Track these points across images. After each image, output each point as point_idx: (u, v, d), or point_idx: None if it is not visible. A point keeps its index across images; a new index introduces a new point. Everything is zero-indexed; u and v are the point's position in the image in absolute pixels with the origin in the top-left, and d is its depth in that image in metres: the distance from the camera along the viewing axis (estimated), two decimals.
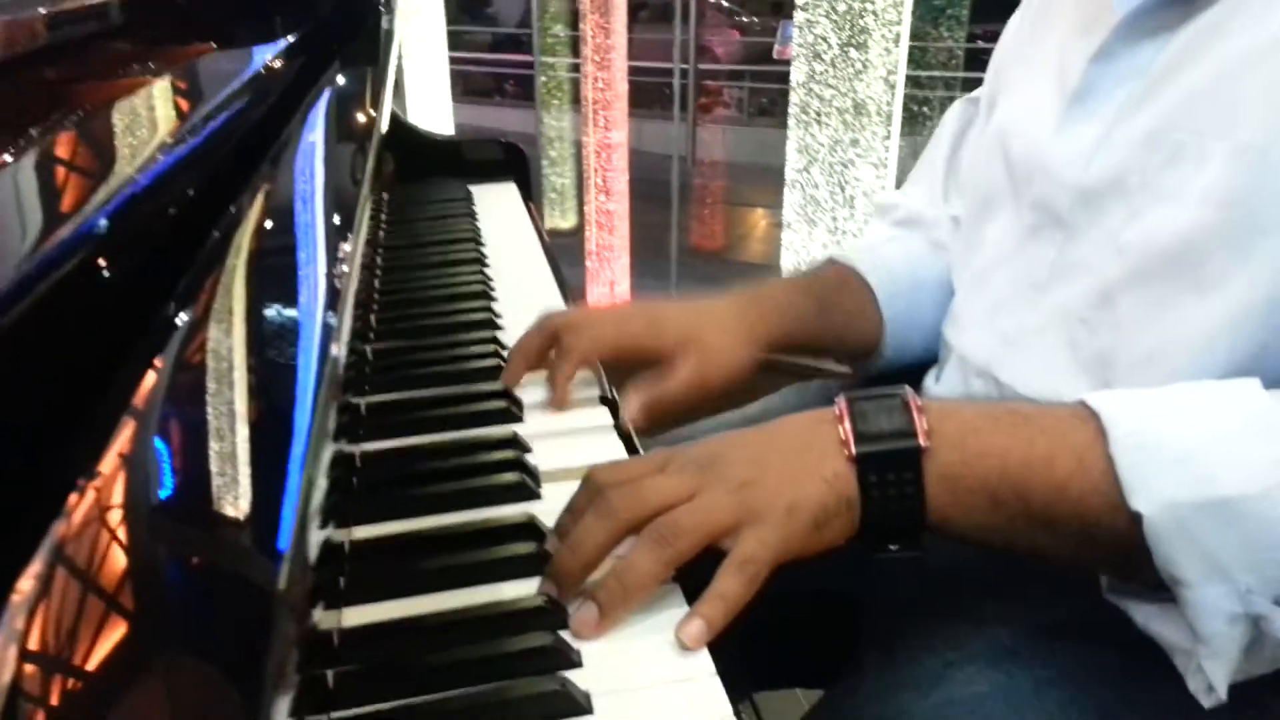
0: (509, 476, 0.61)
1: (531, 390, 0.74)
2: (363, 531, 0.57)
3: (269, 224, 0.62)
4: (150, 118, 0.66)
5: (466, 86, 5.93)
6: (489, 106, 6.05)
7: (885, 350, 0.86)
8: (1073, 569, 0.58)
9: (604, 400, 0.73)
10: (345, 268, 0.62)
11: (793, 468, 0.53)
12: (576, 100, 3.09)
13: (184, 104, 0.74)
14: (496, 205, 1.27)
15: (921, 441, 0.53)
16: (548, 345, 0.75)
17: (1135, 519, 0.49)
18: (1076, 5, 0.72)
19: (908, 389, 0.55)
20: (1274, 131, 0.54)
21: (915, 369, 0.86)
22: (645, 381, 0.72)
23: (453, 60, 3.00)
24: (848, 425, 0.53)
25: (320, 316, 0.52)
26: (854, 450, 0.53)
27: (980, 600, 0.65)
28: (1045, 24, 0.78)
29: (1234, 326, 0.55)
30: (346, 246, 0.65)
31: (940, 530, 0.54)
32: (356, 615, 0.50)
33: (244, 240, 0.56)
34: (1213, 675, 0.51)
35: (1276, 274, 0.54)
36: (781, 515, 0.52)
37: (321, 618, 0.43)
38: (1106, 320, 0.63)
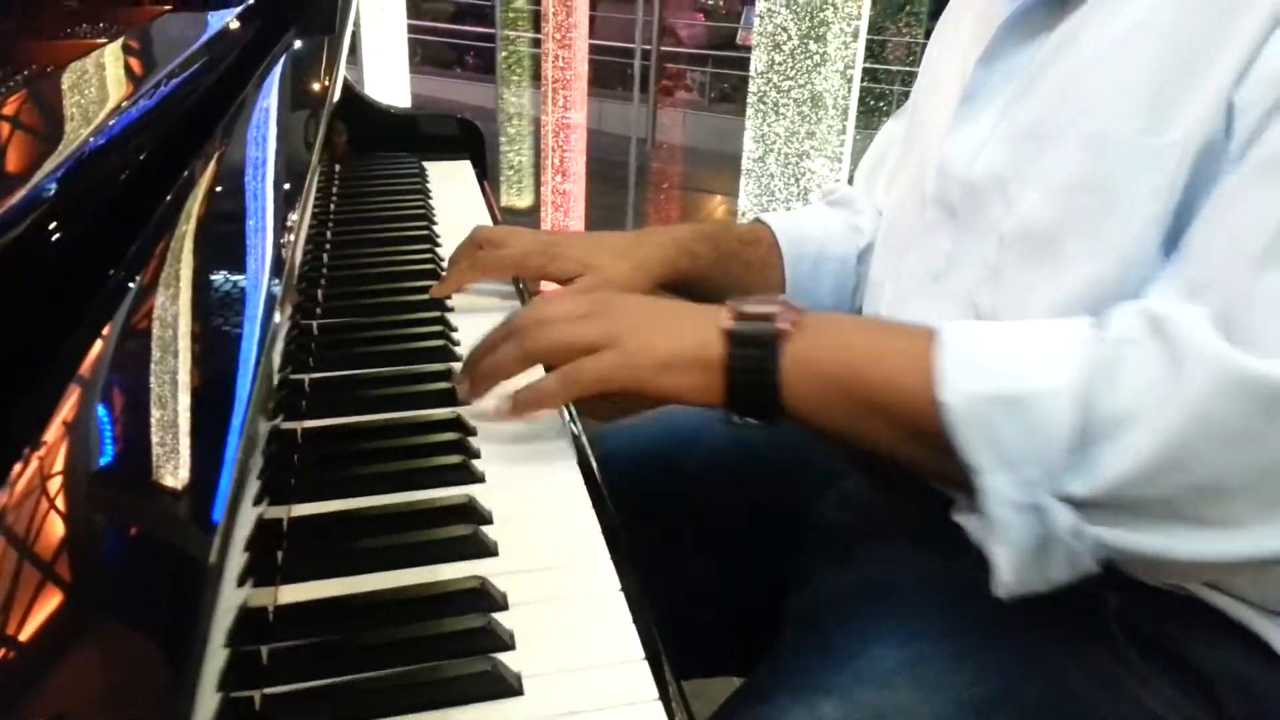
0: (450, 458, 0.62)
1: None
2: (302, 509, 0.57)
3: (217, 191, 0.61)
4: (101, 80, 0.65)
5: (425, 56, 5.84)
6: (448, 79, 5.97)
7: None
8: (912, 468, 0.63)
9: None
10: (291, 237, 0.62)
11: (667, 320, 0.64)
12: (537, 77, 3.07)
13: (136, 67, 0.72)
14: (451, 183, 1.27)
15: (783, 326, 0.61)
16: (473, 254, 0.88)
17: (941, 408, 0.55)
18: (979, 15, 0.76)
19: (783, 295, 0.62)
20: (1115, 119, 0.58)
21: None
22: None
23: (412, 30, 2.96)
24: (728, 308, 0.63)
25: (265, 286, 0.52)
26: (725, 325, 0.62)
27: (906, 596, 0.68)
28: (955, 30, 0.82)
29: (1083, 301, 0.59)
30: (294, 216, 0.65)
31: (795, 413, 0.62)
32: (292, 593, 0.50)
33: (192, 208, 0.55)
34: (1001, 562, 0.55)
35: (1119, 252, 0.58)
36: (633, 347, 0.62)
37: (257, 594, 0.43)
38: (992, 301, 0.67)
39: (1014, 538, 0.54)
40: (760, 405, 0.62)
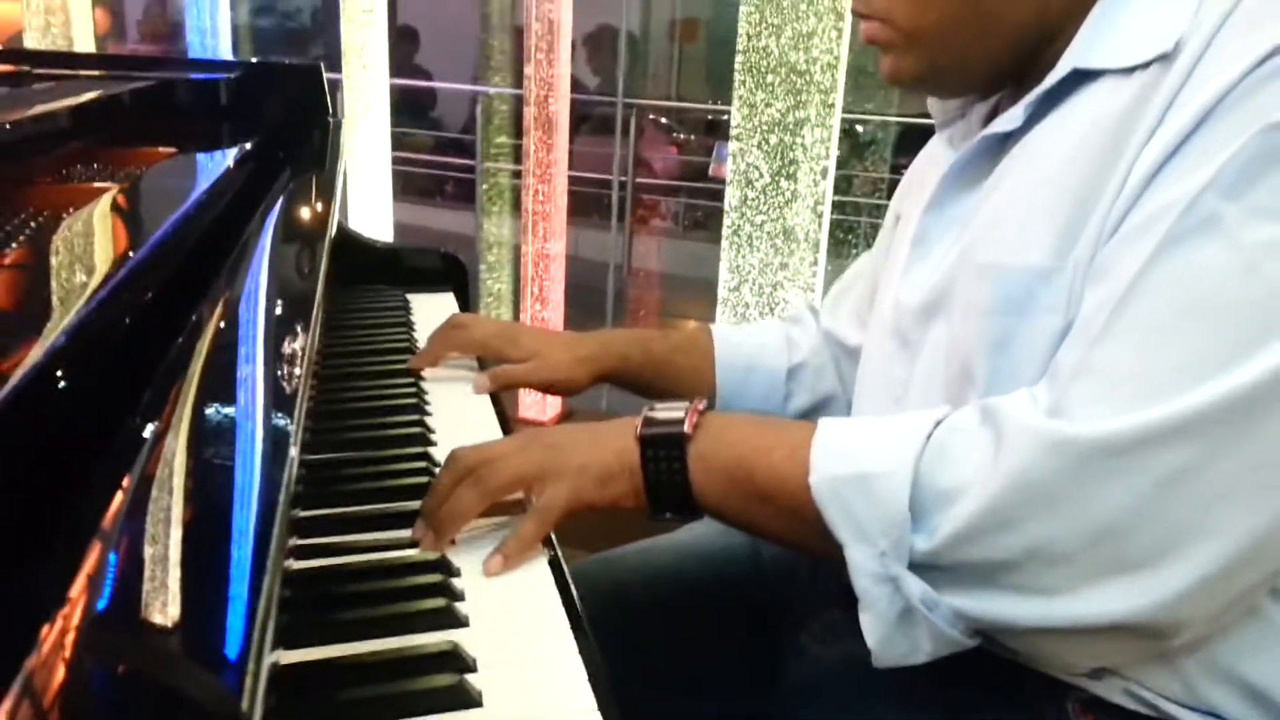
0: (434, 601, 0.62)
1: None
2: (285, 656, 0.56)
3: (226, 336, 0.63)
4: (109, 224, 0.67)
5: (407, 185, 5.99)
6: (428, 207, 6.11)
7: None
8: (804, 551, 0.72)
9: (552, 563, 0.75)
10: (299, 371, 0.63)
11: (593, 440, 0.72)
12: (516, 206, 3.15)
13: (142, 211, 0.75)
14: (434, 315, 1.29)
15: (687, 429, 0.69)
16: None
17: (810, 489, 0.62)
18: (929, 163, 0.84)
19: (698, 399, 0.72)
20: (1024, 251, 0.64)
21: None
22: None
23: (395, 160, 3.04)
24: (641, 417, 0.71)
25: (275, 427, 0.53)
26: (638, 432, 0.70)
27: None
28: (913, 192, 0.87)
29: (1021, 382, 0.64)
30: (300, 352, 0.66)
31: (703, 506, 0.69)
32: None
33: (201, 352, 0.57)
34: (867, 630, 0.61)
35: (1022, 371, 0.63)
36: (574, 471, 0.70)
37: None
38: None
39: (879, 609, 0.60)
40: (676, 502, 0.70)
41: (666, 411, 0.71)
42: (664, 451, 0.69)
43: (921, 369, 0.75)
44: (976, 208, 0.71)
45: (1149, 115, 0.59)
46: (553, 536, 0.72)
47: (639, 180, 4.82)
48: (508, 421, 0.98)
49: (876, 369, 0.83)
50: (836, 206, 2.47)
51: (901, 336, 0.78)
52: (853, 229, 3.71)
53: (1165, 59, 0.60)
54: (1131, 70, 0.62)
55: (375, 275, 1.39)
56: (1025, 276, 0.64)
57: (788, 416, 1.01)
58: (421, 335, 1.19)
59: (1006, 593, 0.57)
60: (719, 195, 2.54)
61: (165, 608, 0.35)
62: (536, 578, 0.68)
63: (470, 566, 0.67)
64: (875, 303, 0.88)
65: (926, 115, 0.86)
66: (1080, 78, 0.65)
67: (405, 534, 0.70)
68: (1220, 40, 0.58)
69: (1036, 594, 0.56)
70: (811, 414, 1.01)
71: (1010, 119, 0.69)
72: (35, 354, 0.42)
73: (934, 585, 0.59)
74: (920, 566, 0.59)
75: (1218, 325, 0.54)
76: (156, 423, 0.45)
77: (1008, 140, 0.70)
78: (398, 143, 2.93)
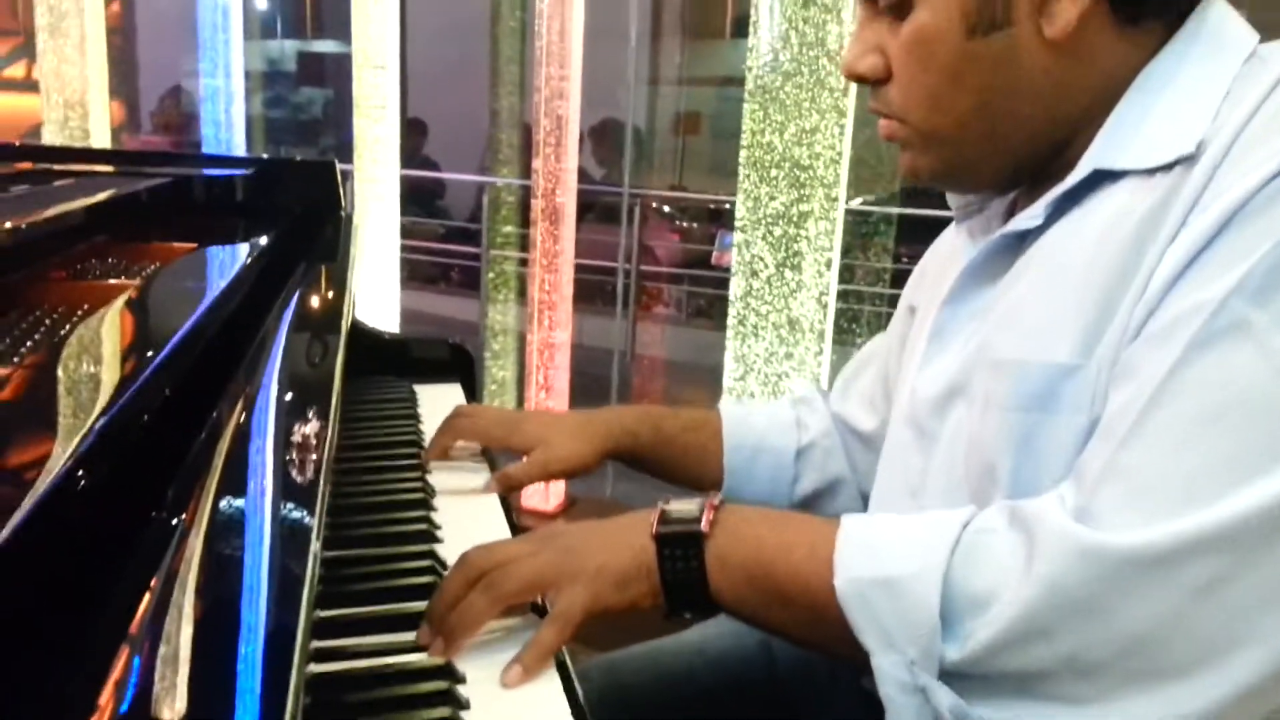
0: (438, 711, 0.60)
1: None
2: None
3: (247, 429, 0.62)
4: (128, 322, 0.67)
5: (413, 272, 6.06)
6: (434, 294, 6.17)
7: (723, 493, 0.98)
8: (829, 656, 0.70)
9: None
10: (317, 459, 0.62)
11: (608, 540, 0.70)
12: (522, 293, 3.18)
13: (160, 308, 0.75)
14: (441, 407, 1.28)
15: (704, 527, 0.68)
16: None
17: (835, 592, 0.60)
18: (947, 256, 0.84)
19: (713, 494, 0.71)
20: (1050, 343, 0.64)
21: None
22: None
23: (402, 248, 3.08)
24: (656, 513, 0.70)
25: (296, 523, 0.52)
26: (655, 530, 0.68)
27: None
28: (928, 283, 0.88)
29: (1044, 486, 0.62)
30: (317, 443, 0.66)
31: (722, 604, 0.68)
32: None
33: (223, 447, 0.56)
34: None
35: (1047, 469, 0.63)
36: (591, 574, 0.68)
37: None
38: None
39: (902, 715, 0.58)
40: (694, 601, 0.68)
41: (682, 507, 0.70)
42: (681, 550, 0.68)
43: (939, 460, 0.74)
44: (995, 302, 0.71)
45: (1172, 217, 0.60)
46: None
47: (642, 268, 4.87)
48: (513, 513, 0.97)
49: (893, 458, 0.82)
50: (840, 295, 2.49)
51: (918, 426, 0.77)
52: (856, 318, 3.75)
53: (1188, 160, 0.61)
54: (1153, 171, 0.62)
55: (383, 366, 1.39)
56: (1048, 372, 0.63)
57: (795, 499, 1.00)
58: (429, 427, 1.18)
59: (1039, 702, 0.56)
60: (721, 283, 2.54)
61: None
62: (544, 683, 0.66)
63: (476, 673, 0.66)
64: (893, 394, 0.87)
65: (927, 206, 0.87)
66: (1101, 177, 0.65)
67: (409, 637, 0.69)
68: (1243, 143, 0.59)
69: (1068, 704, 0.55)
70: (818, 497, 1.00)
71: (1030, 217, 0.69)
72: (58, 452, 0.41)
73: (964, 695, 0.57)
74: (950, 675, 0.57)
75: (1248, 431, 0.53)
76: (180, 519, 0.44)
77: (1027, 237, 0.70)
78: (405, 231, 2.97)
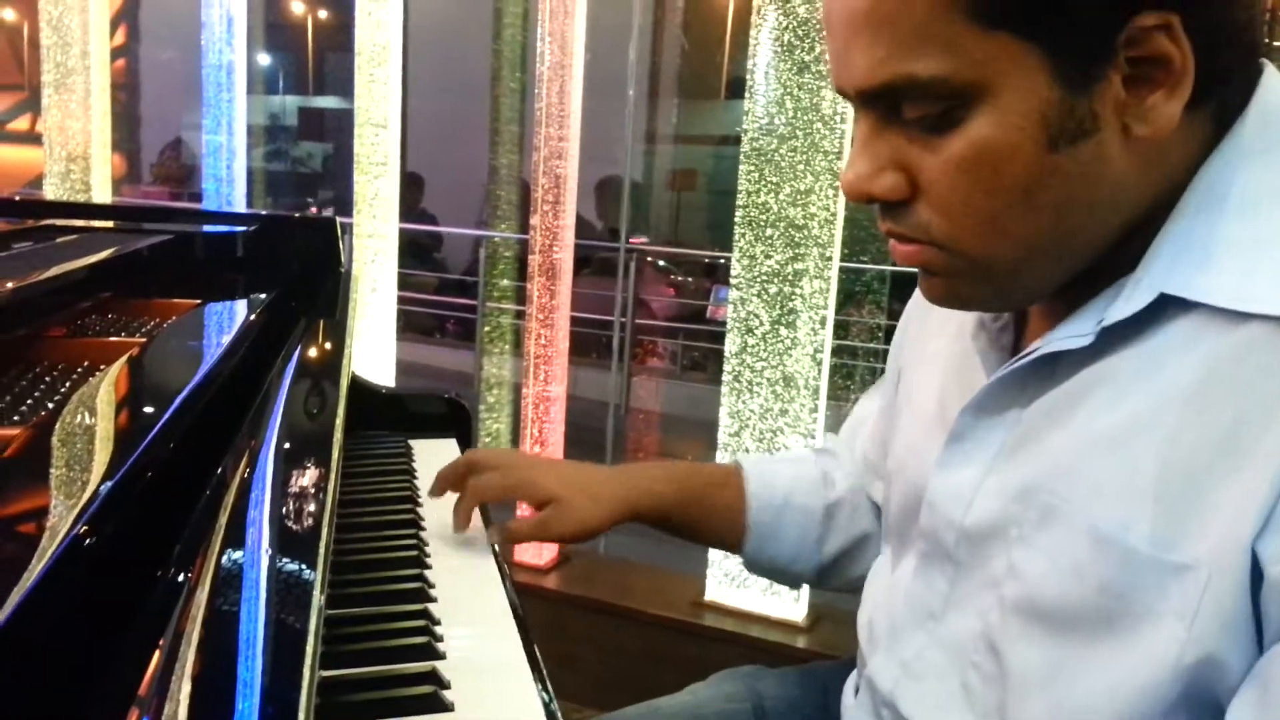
0: None
1: (460, 674, 0.73)
2: None
3: (251, 486, 0.63)
4: (130, 380, 0.68)
5: (409, 323, 6.08)
6: (429, 345, 6.20)
7: (746, 552, 0.98)
8: None
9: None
10: (317, 509, 0.62)
11: None
12: (517, 346, 3.19)
13: (162, 366, 0.76)
14: (436, 462, 1.28)
15: None
16: (463, 475, 0.99)
17: None
18: (954, 337, 0.75)
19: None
20: (1122, 518, 0.57)
21: (838, 672, 0.90)
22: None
23: (399, 300, 3.10)
24: None
25: (301, 579, 0.52)
26: None
27: None
28: (910, 344, 0.85)
29: (1117, 702, 0.57)
30: (320, 498, 0.66)
31: None
32: None
33: (228, 502, 0.56)
34: None
35: (1154, 659, 0.56)
36: None
37: None
38: (995, 672, 0.64)
39: None
40: None
41: None
42: None
43: (971, 592, 0.67)
44: (1034, 426, 0.64)
45: None
46: (550, 689, 0.70)
47: (638, 321, 4.90)
48: (504, 567, 0.97)
49: (908, 566, 0.76)
50: (834, 352, 2.51)
51: (941, 547, 0.70)
52: (851, 374, 3.77)
53: None
54: (1247, 316, 0.54)
55: (378, 420, 1.39)
56: (1139, 564, 0.56)
57: (822, 560, 0.96)
58: (423, 482, 1.18)
59: None
60: (716, 337, 2.55)
61: None
62: None
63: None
64: (897, 481, 0.81)
65: None
66: (1166, 302, 0.57)
67: (398, 697, 0.68)
68: None
69: None
70: (845, 557, 0.97)
71: (1077, 336, 0.60)
72: (62, 512, 0.42)
73: None
74: None
75: None
76: (188, 575, 0.44)
77: (1064, 354, 0.62)
78: (402, 282, 2.99)
